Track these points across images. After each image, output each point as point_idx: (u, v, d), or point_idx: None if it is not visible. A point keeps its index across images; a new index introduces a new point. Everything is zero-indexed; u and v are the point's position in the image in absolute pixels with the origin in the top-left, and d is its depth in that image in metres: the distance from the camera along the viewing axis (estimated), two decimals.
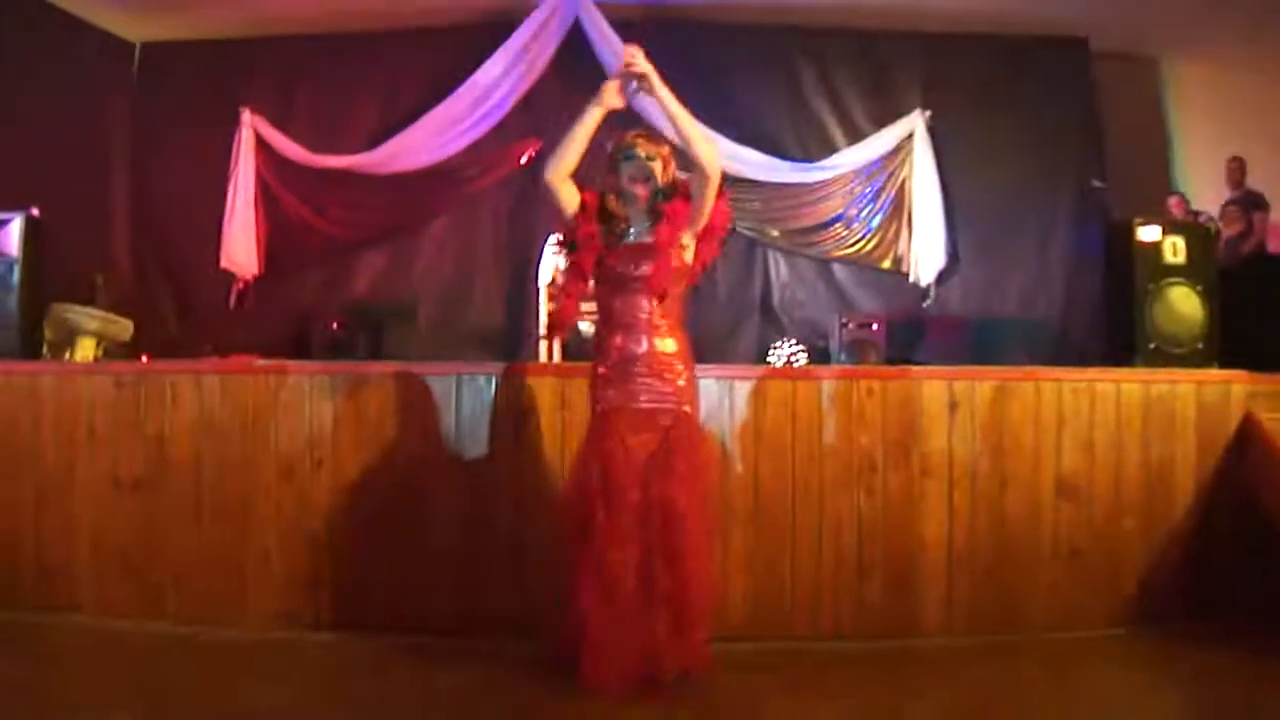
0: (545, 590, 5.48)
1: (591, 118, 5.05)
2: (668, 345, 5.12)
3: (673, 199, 5.13)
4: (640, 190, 5.15)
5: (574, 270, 5.25)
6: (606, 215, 5.18)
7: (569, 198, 5.16)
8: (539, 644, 5.41)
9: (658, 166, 5.15)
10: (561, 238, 5.38)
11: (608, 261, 5.15)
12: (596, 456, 5.05)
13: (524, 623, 5.72)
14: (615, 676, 4.85)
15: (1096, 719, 4.87)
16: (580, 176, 5.19)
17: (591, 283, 5.26)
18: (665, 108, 5.05)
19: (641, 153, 5.15)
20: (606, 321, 5.22)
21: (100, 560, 6.29)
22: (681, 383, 5.12)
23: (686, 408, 5.12)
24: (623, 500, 4.93)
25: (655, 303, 5.11)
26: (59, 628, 6.06)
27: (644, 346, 5.09)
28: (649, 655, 4.91)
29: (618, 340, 5.13)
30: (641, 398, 5.06)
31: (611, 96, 5.06)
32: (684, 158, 5.13)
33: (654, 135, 5.30)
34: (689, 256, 5.20)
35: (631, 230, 5.20)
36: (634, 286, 5.11)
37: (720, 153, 5.18)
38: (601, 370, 5.18)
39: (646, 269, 5.09)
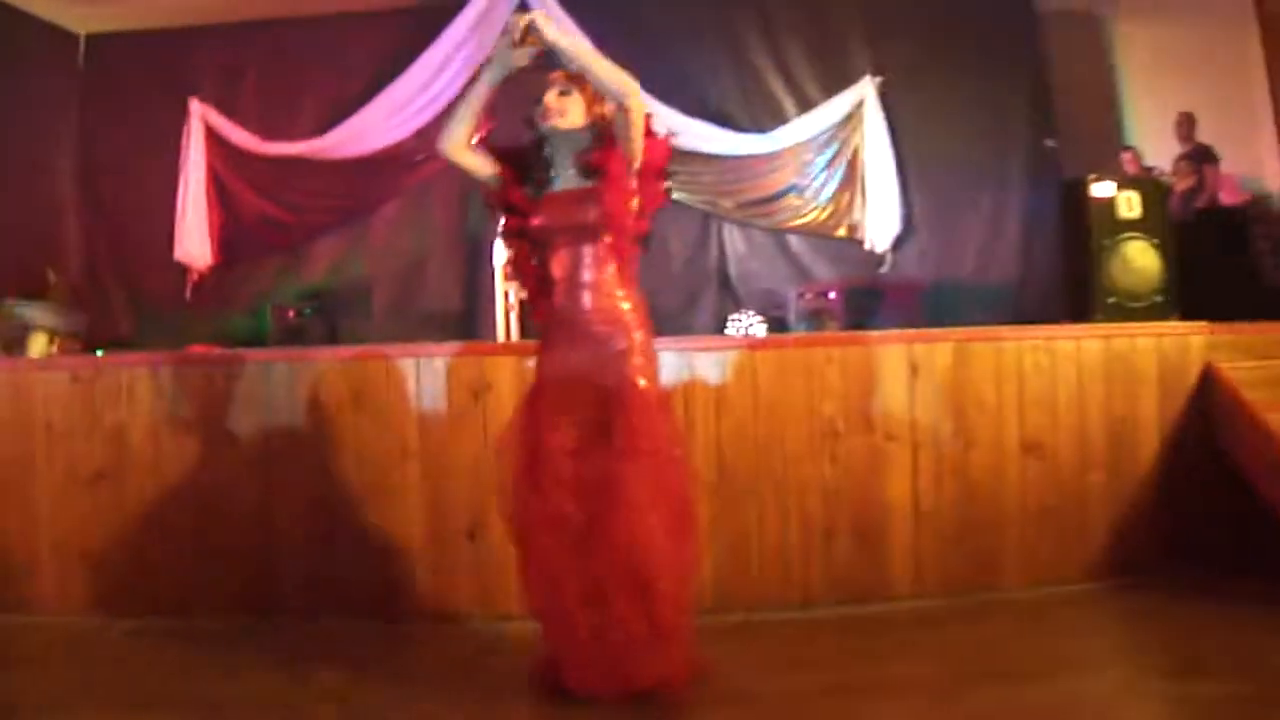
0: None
1: (486, 80, 4.66)
2: (614, 303, 4.62)
3: (604, 143, 4.66)
4: (557, 122, 4.66)
5: (515, 235, 4.83)
6: (527, 168, 4.77)
7: (476, 165, 4.79)
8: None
9: (573, 102, 4.67)
10: (492, 204, 4.95)
11: (536, 217, 4.70)
12: (525, 433, 4.62)
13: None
14: (596, 678, 4.44)
15: (1075, 675, 4.80)
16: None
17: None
18: (561, 48, 4.52)
19: (556, 88, 4.68)
20: (543, 282, 4.74)
21: (60, 558, 6.23)
22: (624, 345, 4.56)
23: (638, 376, 4.55)
24: (554, 480, 4.48)
25: (600, 255, 4.62)
26: (18, 628, 6.00)
27: (587, 304, 4.60)
28: (616, 659, 4.43)
29: (557, 301, 4.66)
30: (581, 364, 4.56)
31: (506, 56, 4.59)
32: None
33: (572, 74, 4.70)
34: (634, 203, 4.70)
35: (557, 178, 4.74)
36: (572, 237, 4.63)
37: (636, 85, 4.54)
38: (541, 334, 4.77)
39: (590, 213, 4.60)
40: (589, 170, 4.69)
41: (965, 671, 4.88)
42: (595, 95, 4.69)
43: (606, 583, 4.39)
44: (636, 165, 4.66)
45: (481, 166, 4.80)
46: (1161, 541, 6.23)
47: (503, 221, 4.91)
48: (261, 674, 5.12)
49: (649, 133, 4.70)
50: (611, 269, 4.65)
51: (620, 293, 4.65)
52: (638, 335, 4.62)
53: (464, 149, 4.75)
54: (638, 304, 4.71)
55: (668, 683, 4.50)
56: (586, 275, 4.63)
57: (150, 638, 5.78)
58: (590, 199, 4.63)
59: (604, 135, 4.68)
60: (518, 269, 4.93)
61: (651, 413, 4.61)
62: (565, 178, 4.73)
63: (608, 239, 4.65)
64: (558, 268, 4.68)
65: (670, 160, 4.85)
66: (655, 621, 4.41)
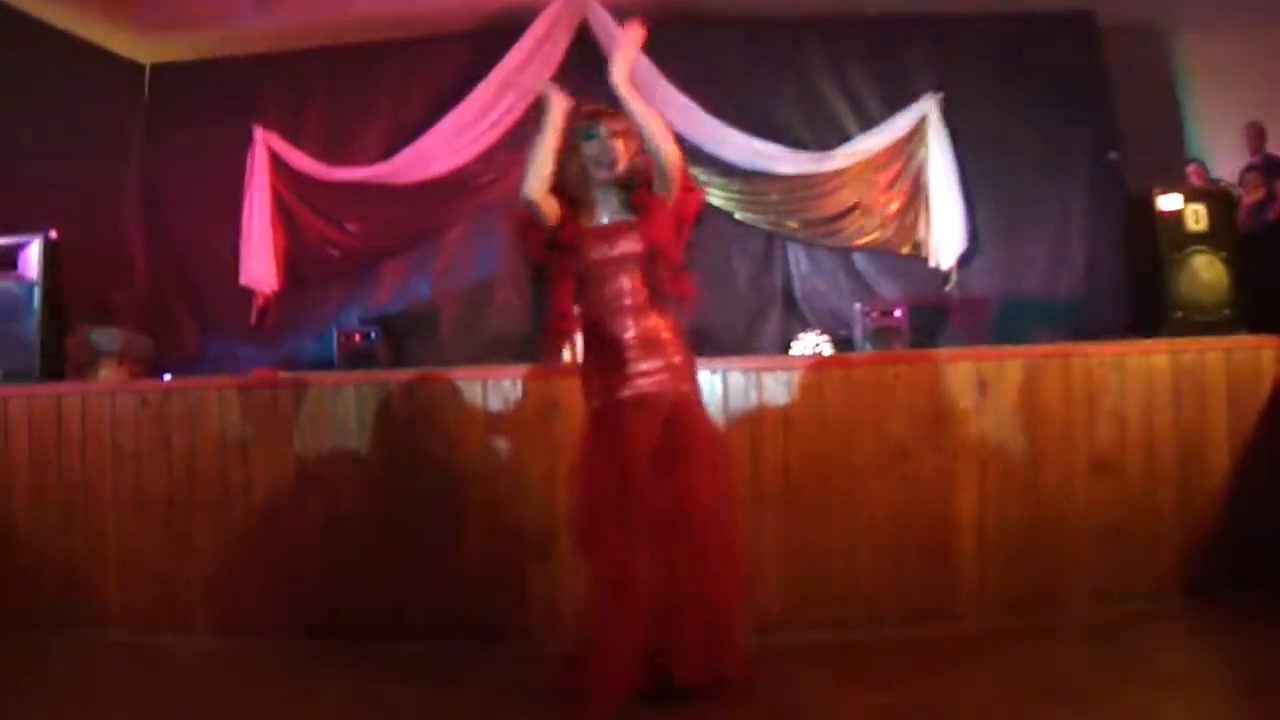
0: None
1: (552, 126, 4.80)
2: (656, 325, 4.84)
3: (646, 192, 4.91)
4: (604, 174, 4.88)
5: (561, 276, 4.97)
6: (574, 206, 4.93)
7: (550, 210, 4.86)
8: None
9: (620, 145, 4.87)
10: (528, 241, 5.01)
11: (582, 252, 4.88)
12: (597, 454, 4.77)
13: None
14: (620, 684, 4.56)
15: (1144, 696, 4.71)
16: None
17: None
18: (622, 96, 4.76)
19: (603, 130, 4.88)
20: (589, 313, 4.92)
21: (128, 579, 6.32)
22: (677, 359, 4.82)
23: (684, 386, 4.83)
24: (633, 496, 4.62)
25: (640, 283, 4.86)
26: (87, 646, 6.06)
27: (631, 330, 4.81)
28: (680, 660, 4.62)
29: (603, 329, 4.84)
30: (637, 383, 4.75)
31: (558, 99, 4.82)
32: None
33: (614, 110, 4.90)
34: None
35: (603, 215, 4.94)
36: (613, 269, 4.86)
37: (675, 149, 4.84)
38: (590, 363, 4.94)
39: (627, 246, 4.84)
40: (633, 206, 4.92)
41: (1029, 692, 4.83)
42: (635, 131, 4.87)
43: (684, 590, 4.62)
44: (671, 203, 4.90)
45: (553, 212, 4.87)
46: (1232, 559, 6.14)
47: (550, 261, 4.99)
48: (331, 696, 5.15)
49: (686, 184, 4.96)
50: (648, 295, 4.89)
51: (658, 315, 4.89)
52: (680, 356, 4.87)
53: (544, 195, 4.82)
54: (673, 323, 4.95)
55: (722, 679, 4.70)
56: (630, 301, 4.87)
57: (217, 659, 5.85)
58: (634, 230, 4.87)
59: (643, 174, 4.93)
60: (565, 303, 5.00)
61: (707, 425, 4.99)
62: (609, 212, 4.95)
63: (652, 267, 4.89)
64: (604, 299, 4.90)
65: (701, 211, 5.10)
66: (721, 624, 4.71)
